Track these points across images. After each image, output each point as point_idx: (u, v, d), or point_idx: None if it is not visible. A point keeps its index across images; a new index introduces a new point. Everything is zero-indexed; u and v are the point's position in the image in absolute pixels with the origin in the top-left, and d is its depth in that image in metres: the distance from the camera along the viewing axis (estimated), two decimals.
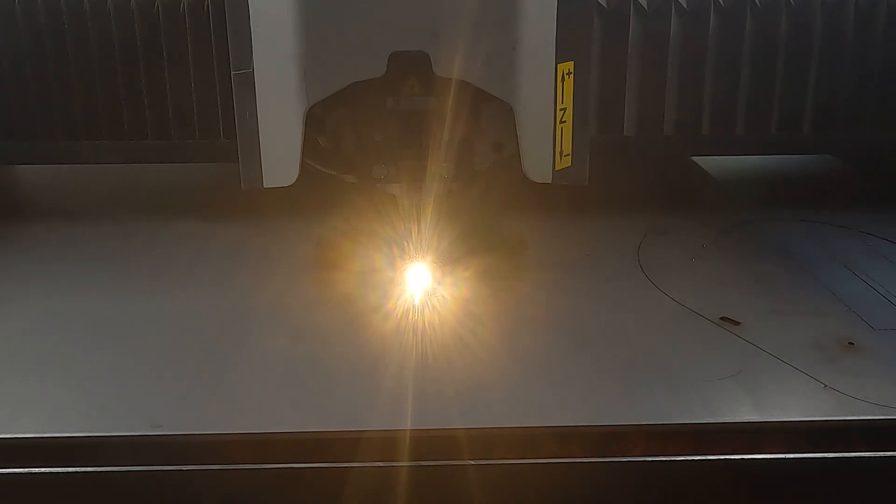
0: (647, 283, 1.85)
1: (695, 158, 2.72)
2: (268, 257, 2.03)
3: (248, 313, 1.74)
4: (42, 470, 1.30)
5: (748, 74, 2.17)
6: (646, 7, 2.13)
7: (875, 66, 2.19)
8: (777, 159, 2.67)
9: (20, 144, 2.22)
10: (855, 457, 1.34)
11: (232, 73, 1.62)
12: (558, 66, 1.64)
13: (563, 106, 1.67)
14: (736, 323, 1.65)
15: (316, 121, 1.71)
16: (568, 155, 1.70)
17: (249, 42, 1.59)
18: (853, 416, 1.36)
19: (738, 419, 1.37)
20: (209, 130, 2.14)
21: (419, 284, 1.73)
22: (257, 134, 1.65)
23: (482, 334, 1.63)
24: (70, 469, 1.30)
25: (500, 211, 2.12)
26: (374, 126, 1.70)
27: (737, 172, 2.69)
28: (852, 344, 1.57)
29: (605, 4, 2.09)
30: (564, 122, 1.68)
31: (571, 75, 1.66)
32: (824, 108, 2.20)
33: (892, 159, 2.41)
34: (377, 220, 1.86)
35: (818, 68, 2.17)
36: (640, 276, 1.88)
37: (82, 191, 2.60)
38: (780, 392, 1.44)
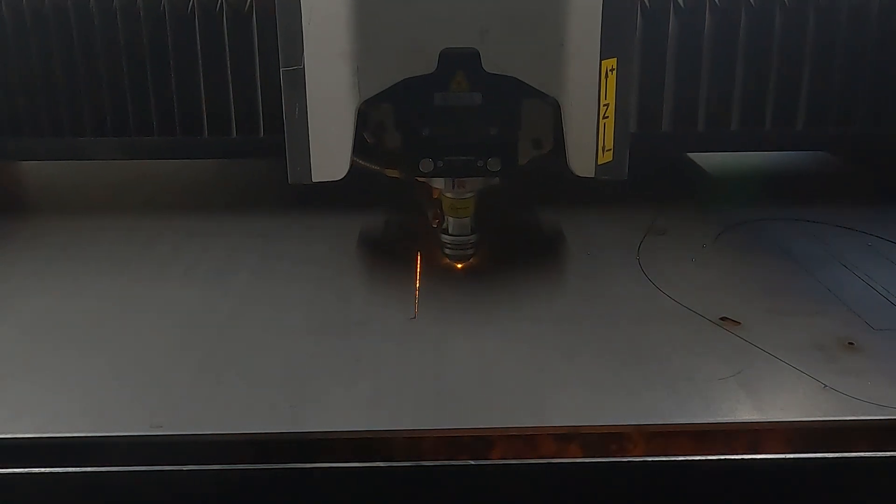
0: (648, 283, 1.85)
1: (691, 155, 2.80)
2: (278, 256, 2.05)
3: (250, 310, 1.75)
4: (42, 470, 1.30)
5: (742, 73, 2.25)
6: (648, 5, 2.19)
7: (866, 65, 2.27)
8: (773, 158, 2.74)
9: (27, 140, 2.29)
10: (855, 457, 1.34)
11: (281, 69, 1.62)
12: (602, 62, 1.64)
13: (605, 102, 1.66)
14: (736, 323, 1.65)
15: (361, 117, 1.71)
16: (610, 150, 1.70)
17: (301, 40, 1.60)
18: (853, 416, 1.36)
19: (738, 419, 1.36)
20: (220, 127, 2.25)
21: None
22: (307, 129, 1.64)
23: (480, 333, 1.63)
24: (70, 469, 1.30)
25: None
26: (422, 121, 1.71)
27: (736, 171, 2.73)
28: (852, 344, 1.57)
29: None
30: (607, 117, 1.67)
31: (614, 72, 1.66)
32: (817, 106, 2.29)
33: (882, 155, 2.49)
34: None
35: (811, 67, 2.26)
36: (640, 276, 1.89)
37: (85, 187, 2.65)
38: (780, 392, 1.44)
